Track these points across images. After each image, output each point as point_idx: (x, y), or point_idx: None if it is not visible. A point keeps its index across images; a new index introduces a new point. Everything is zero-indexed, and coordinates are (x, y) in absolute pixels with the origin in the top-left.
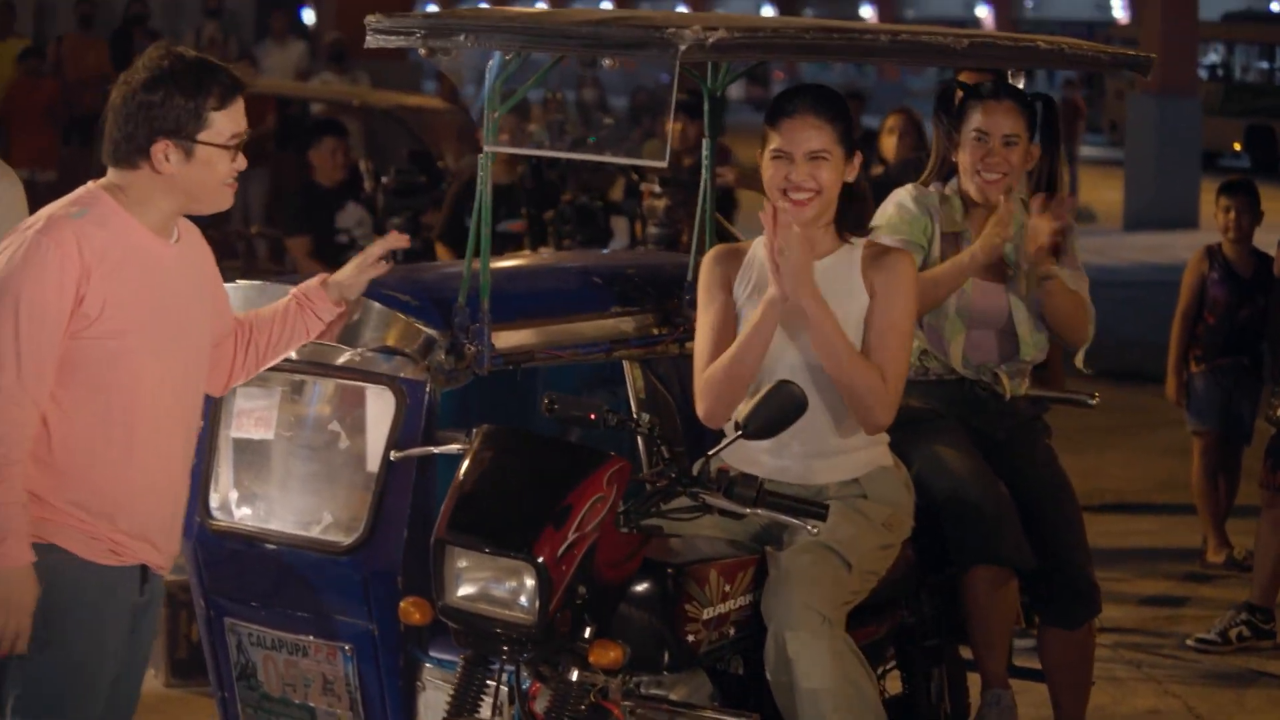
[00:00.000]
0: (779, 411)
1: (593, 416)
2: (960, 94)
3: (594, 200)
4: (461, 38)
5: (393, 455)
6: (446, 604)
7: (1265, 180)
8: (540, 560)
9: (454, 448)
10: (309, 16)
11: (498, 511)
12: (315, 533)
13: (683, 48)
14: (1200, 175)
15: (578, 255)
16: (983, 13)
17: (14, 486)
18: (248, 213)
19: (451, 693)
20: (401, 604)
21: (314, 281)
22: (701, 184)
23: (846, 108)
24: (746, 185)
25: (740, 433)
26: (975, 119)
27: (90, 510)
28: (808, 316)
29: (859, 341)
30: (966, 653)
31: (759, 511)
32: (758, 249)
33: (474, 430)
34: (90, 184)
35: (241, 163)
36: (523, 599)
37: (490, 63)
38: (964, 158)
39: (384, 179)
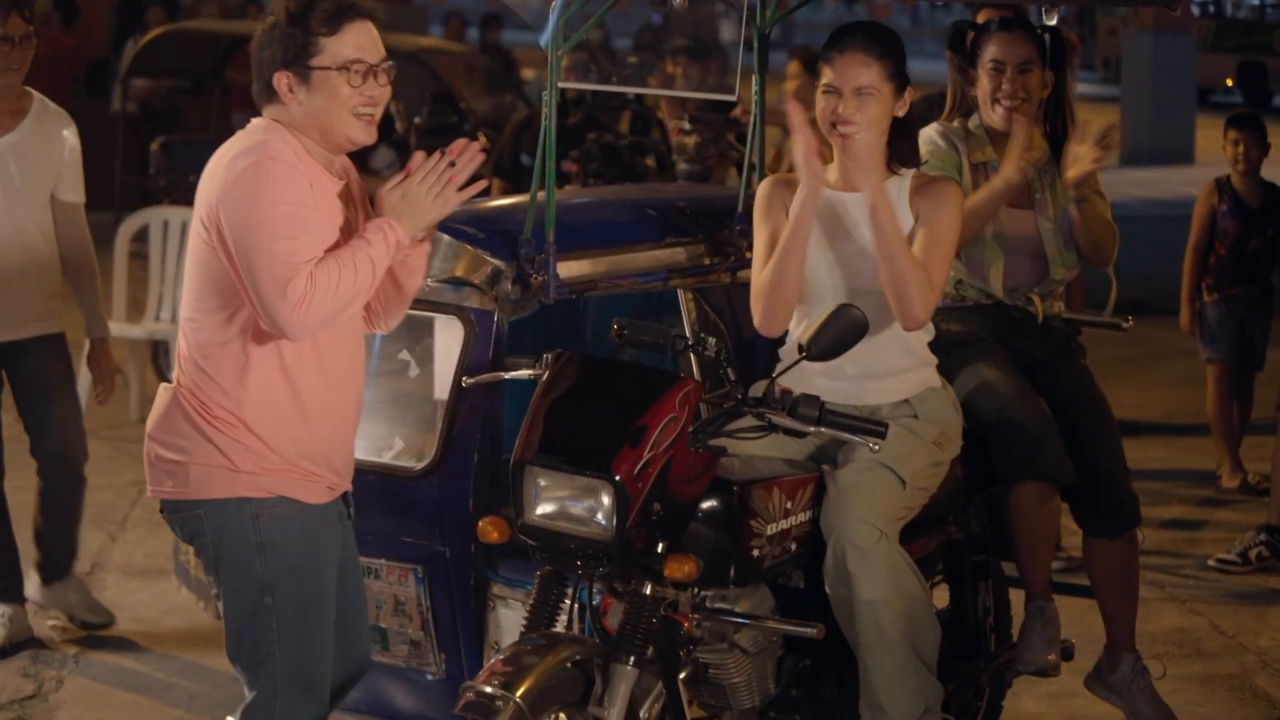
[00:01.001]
0: (840, 334)
1: (661, 341)
2: (971, 33)
3: (619, 140)
4: None
5: (464, 381)
6: (525, 522)
7: (1262, 110)
8: (618, 478)
9: (525, 373)
10: None
11: (575, 433)
12: (388, 458)
13: None
14: (1195, 111)
15: (631, 189)
16: None
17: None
18: None
19: (528, 607)
20: (480, 523)
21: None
22: (752, 120)
23: (898, 45)
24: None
25: (804, 355)
26: (990, 50)
27: (313, 459)
28: (867, 200)
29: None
30: (1009, 570)
31: (822, 430)
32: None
33: (544, 356)
34: (254, 120)
35: (373, 89)
36: (600, 516)
37: (554, 3)
38: (983, 88)
39: (416, 120)
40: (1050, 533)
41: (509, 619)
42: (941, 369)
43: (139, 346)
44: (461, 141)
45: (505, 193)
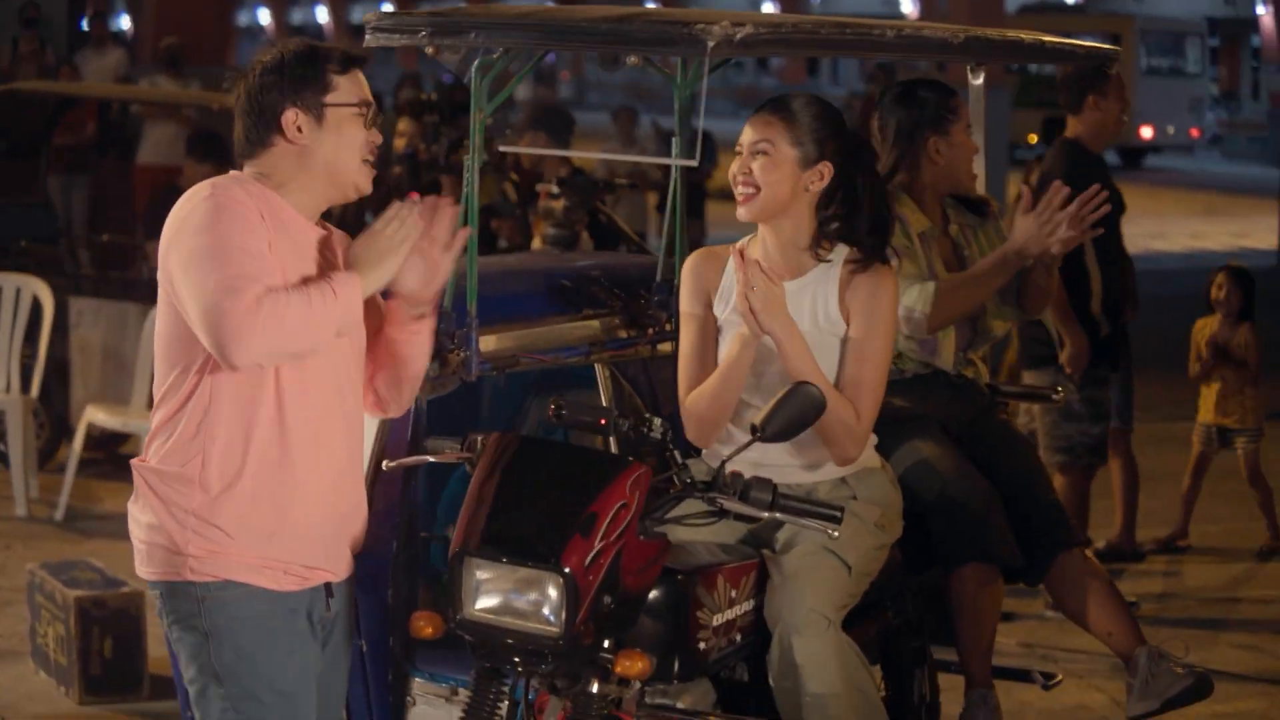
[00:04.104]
0: (796, 413)
1: (603, 422)
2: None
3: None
4: (472, 35)
5: (385, 465)
6: (465, 617)
7: None
8: (568, 570)
9: (451, 456)
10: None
11: (519, 521)
12: None
13: (711, 44)
14: (1008, 166)
15: (541, 257)
16: (769, 8)
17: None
18: (70, 221)
19: (464, 707)
20: (412, 618)
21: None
22: (671, 182)
23: (819, 114)
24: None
25: (757, 436)
26: (964, 114)
27: (276, 545)
28: (775, 341)
29: (832, 370)
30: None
31: (777, 515)
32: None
33: (473, 437)
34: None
35: (376, 136)
36: (547, 610)
37: (475, 62)
38: (963, 154)
39: None
40: (993, 617)
41: (429, 716)
42: (878, 446)
43: None
44: (431, 198)
45: None
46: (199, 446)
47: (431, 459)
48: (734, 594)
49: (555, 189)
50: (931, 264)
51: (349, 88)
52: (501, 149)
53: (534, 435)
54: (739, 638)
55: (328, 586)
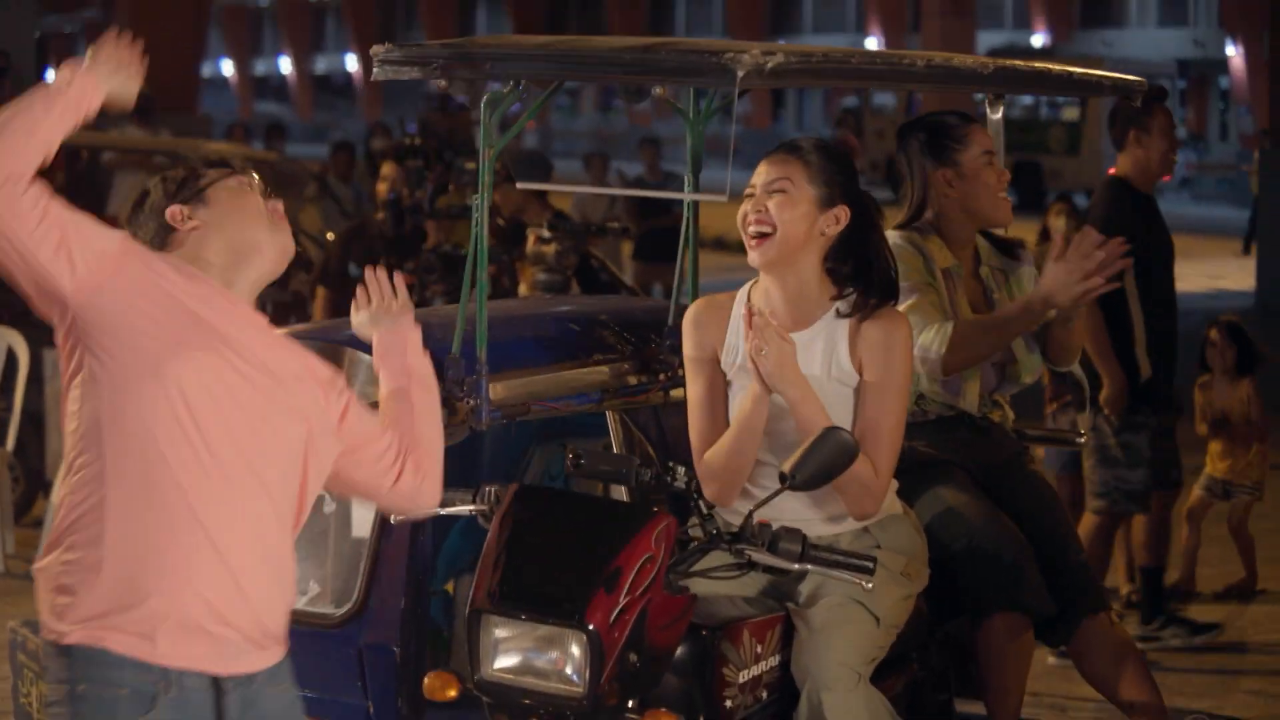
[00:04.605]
0: (828, 461)
1: (624, 471)
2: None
3: (459, 250)
4: (487, 66)
5: (393, 519)
6: (483, 678)
7: (1029, 215)
8: (592, 627)
9: (463, 509)
10: None
11: (540, 577)
12: (303, 604)
13: (741, 74)
14: None
15: (548, 301)
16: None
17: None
18: None
19: None
20: (427, 679)
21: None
22: (684, 222)
23: (839, 158)
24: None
25: (786, 484)
26: (979, 141)
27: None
28: (791, 409)
29: (846, 421)
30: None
31: (808, 567)
32: (740, 307)
33: (486, 489)
34: None
35: (276, 203)
36: (570, 669)
37: (485, 96)
38: (976, 185)
39: None
40: (1023, 667)
41: None
42: (901, 492)
43: None
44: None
45: (330, 303)
46: (68, 490)
47: (441, 511)
48: (760, 649)
49: (546, 233)
50: (955, 303)
51: (222, 178)
52: (520, 185)
53: (539, 484)
54: (765, 694)
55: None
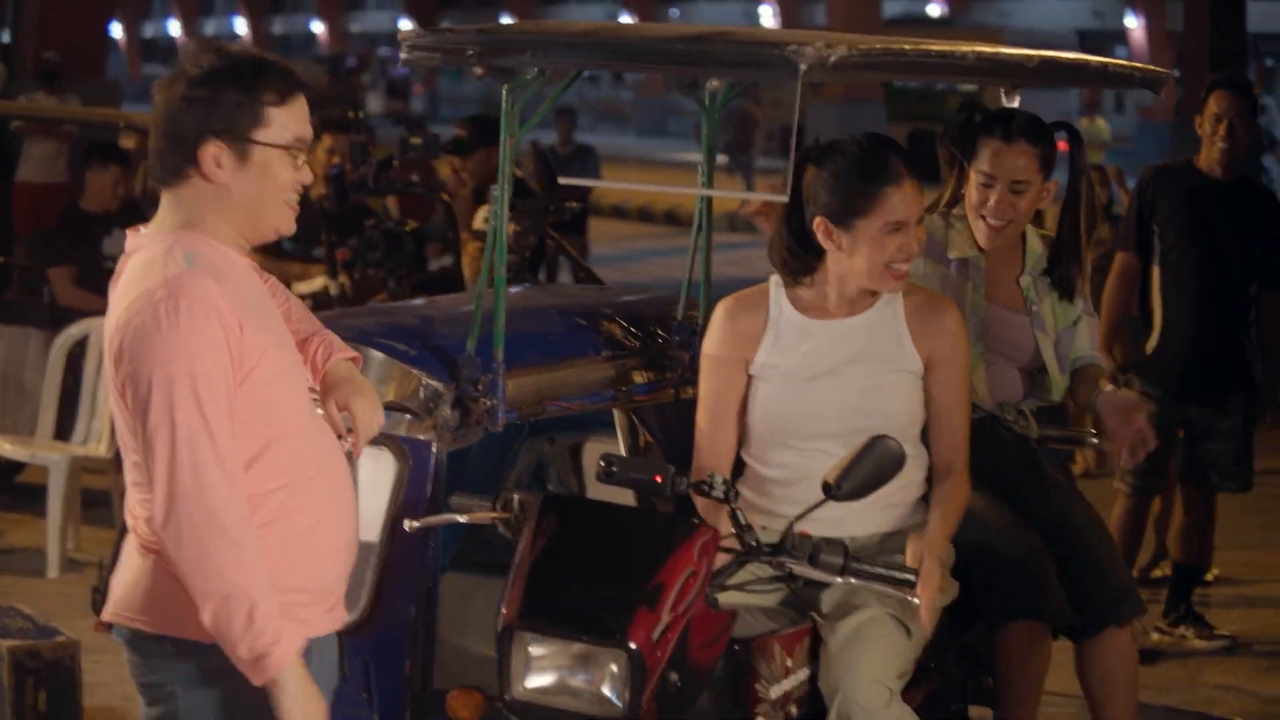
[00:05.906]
0: (875, 470)
1: (659, 479)
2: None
3: (401, 225)
4: (527, 55)
5: (407, 525)
6: (515, 697)
7: (925, 183)
8: (634, 647)
9: (485, 516)
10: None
11: (577, 592)
12: None
13: (804, 66)
14: None
15: (551, 292)
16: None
17: (256, 568)
18: None
19: None
20: (450, 697)
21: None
22: (697, 214)
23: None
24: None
25: (831, 495)
26: (984, 159)
27: (306, 589)
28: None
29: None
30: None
31: (851, 580)
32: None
33: (509, 496)
34: (153, 225)
35: (306, 175)
36: (608, 689)
37: (505, 85)
38: (971, 195)
39: None
40: (1040, 677)
41: None
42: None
43: None
44: None
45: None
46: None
47: (461, 519)
48: (789, 663)
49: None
50: (962, 291)
51: (284, 122)
52: (562, 180)
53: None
54: (794, 710)
55: None
